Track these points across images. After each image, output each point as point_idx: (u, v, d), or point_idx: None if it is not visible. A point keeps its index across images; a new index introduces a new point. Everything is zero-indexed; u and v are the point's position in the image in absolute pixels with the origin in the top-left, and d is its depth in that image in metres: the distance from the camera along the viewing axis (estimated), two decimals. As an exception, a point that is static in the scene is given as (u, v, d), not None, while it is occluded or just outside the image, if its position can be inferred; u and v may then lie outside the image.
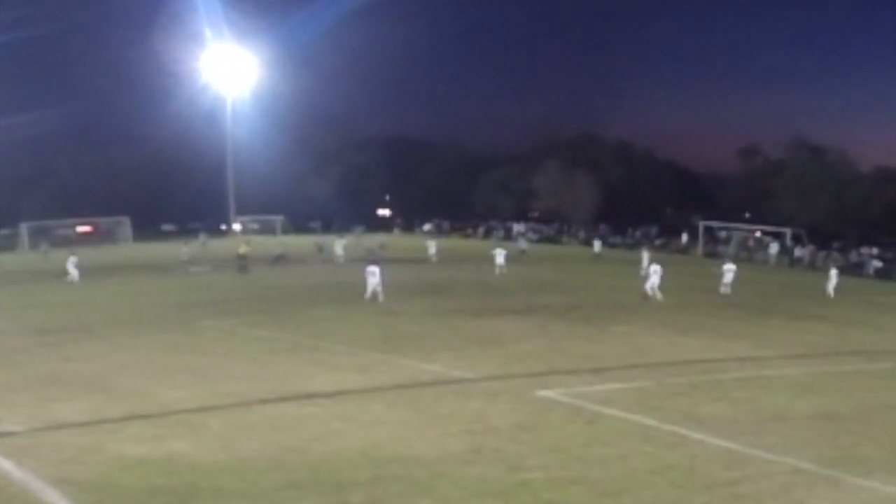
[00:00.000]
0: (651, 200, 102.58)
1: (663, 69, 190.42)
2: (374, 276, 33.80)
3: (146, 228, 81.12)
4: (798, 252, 76.50)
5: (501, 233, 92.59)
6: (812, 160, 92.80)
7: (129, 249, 71.47)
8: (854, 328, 34.67)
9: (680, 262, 68.01)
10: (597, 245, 62.69)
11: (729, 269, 43.54)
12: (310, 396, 18.35)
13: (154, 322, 29.14)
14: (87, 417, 16.59)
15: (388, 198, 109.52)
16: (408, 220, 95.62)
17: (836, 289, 45.05)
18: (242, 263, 50.32)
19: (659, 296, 39.06)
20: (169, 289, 40.32)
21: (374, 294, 34.07)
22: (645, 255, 52.00)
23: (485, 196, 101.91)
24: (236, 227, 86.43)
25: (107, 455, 14.10)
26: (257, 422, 16.45)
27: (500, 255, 49.52)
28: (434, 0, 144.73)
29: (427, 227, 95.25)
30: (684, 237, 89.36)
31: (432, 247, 59.50)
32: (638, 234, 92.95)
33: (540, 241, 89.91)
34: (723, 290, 42.65)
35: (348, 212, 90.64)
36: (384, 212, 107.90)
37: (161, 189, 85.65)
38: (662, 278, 39.67)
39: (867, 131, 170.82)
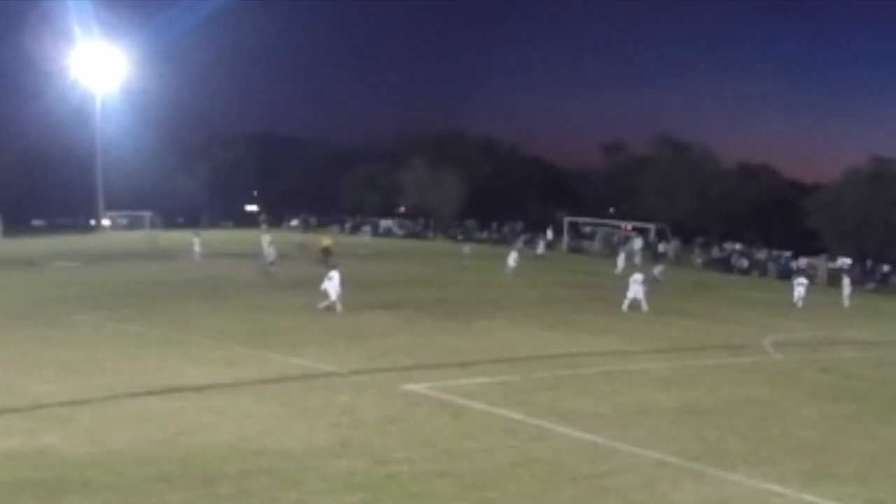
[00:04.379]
0: (516, 196, 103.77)
1: (529, 66, 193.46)
2: (332, 280, 32.79)
3: (16, 224, 79.78)
4: (662, 247, 78.27)
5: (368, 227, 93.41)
6: (676, 156, 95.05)
7: None
8: (718, 323, 35.65)
9: (545, 258, 68.87)
10: (466, 248, 62.61)
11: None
12: (179, 390, 18.11)
13: (24, 316, 28.20)
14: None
15: (255, 194, 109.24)
16: (275, 215, 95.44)
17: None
18: (329, 258, 48.60)
19: (644, 306, 37.38)
20: (39, 283, 39.14)
21: (333, 302, 32.86)
22: (512, 256, 51.83)
23: (351, 192, 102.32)
24: (105, 222, 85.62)
25: (-24, 449, 13.67)
26: (127, 415, 16.15)
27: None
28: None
29: (294, 222, 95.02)
30: (549, 233, 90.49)
31: (265, 242, 58.72)
32: (505, 229, 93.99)
33: (406, 236, 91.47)
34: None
35: (216, 207, 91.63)
36: (252, 207, 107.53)
37: (31, 185, 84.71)
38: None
39: (731, 128, 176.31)
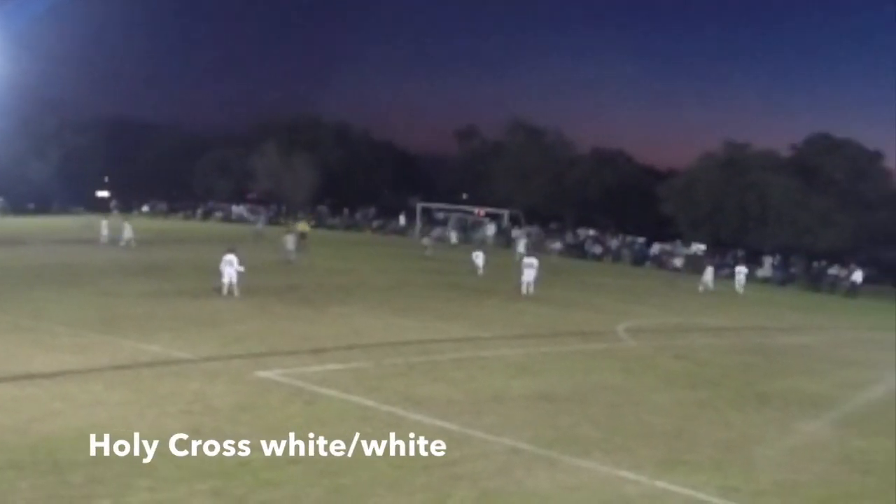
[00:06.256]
0: (369, 182, 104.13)
1: (383, 51, 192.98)
2: (231, 265, 32.09)
3: None
4: (515, 233, 79.15)
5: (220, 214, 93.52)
6: (530, 142, 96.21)
7: None
8: (572, 309, 36.17)
9: (398, 244, 69.05)
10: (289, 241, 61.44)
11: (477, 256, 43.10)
12: (29, 377, 17.56)
13: None
14: None
15: (107, 179, 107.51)
16: (126, 201, 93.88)
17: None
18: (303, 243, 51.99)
19: (531, 290, 39.12)
20: None
21: (229, 284, 32.26)
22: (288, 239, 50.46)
23: (203, 178, 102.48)
24: None
25: None
26: (-23, 402, 15.72)
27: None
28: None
29: (145, 208, 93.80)
30: (402, 219, 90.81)
31: (127, 229, 57.67)
32: (357, 215, 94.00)
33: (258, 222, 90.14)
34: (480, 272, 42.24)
35: (67, 193, 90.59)
36: (103, 193, 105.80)
37: None
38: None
39: (585, 114, 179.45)
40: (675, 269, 66.89)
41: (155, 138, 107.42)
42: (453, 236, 76.80)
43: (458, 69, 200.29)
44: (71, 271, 37.08)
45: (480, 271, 48.15)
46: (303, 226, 60.75)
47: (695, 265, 64.19)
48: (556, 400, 18.72)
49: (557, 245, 75.79)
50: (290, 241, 47.25)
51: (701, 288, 50.17)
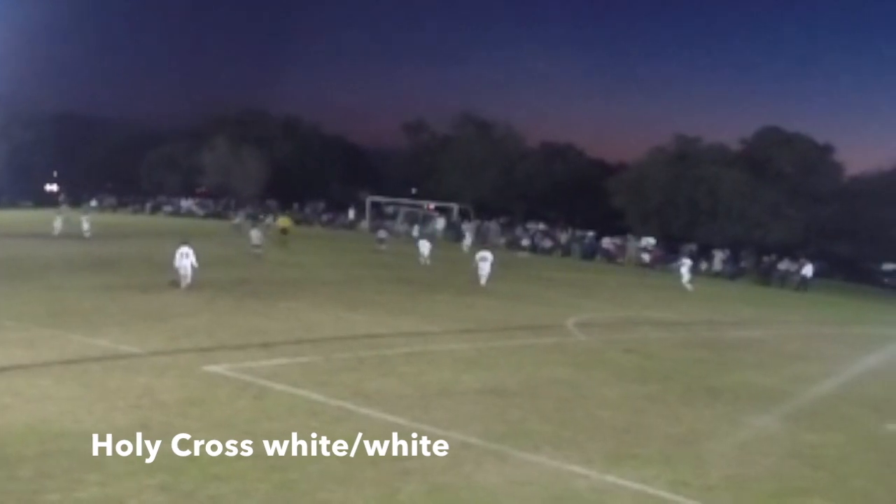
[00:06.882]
0: (319, 176, 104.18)
1: (332, 45, 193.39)
2: (187, 257, 31.98)
3: None
4: (465, 227, 79.31)
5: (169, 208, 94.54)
6: (479, 136, 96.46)
7: None
8: (521, 303, 36.26)
9: (347, 238, 68.88)
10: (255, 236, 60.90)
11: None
12: None
13: None
14: None
15: (55, 174, 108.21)
16: (75, 195, 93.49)
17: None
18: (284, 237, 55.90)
19: (484, 283, 40.01)
20: None
21: (187, 277, 32.23)
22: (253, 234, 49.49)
23: (152, 172, 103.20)
24: None
25: None
26: (-74, 397, 15.56)
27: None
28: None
29: (93, 202, 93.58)
30: (351, 212, 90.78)
31: (85, 223, 57.65)
32: (307, 209, 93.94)
33: (206, 216, 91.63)
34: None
35: (16, 188, 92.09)
36: (52, 187, 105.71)
37: None
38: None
39: (535, 107, 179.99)
40: (644, 265, 66.93)
41: (104, 132, 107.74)
42: (415, 230, 76.81)
43: (407, 63, 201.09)
44: (19, 265, 36.82)
45: (426, 260, 49.21)
46: (284, 221, 61.61)
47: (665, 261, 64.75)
48: (506, 394, 18.76)
49: (502, 240, 76.06)
50: (255, 236, 47.59)
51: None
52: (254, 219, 72.51)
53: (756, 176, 77.79)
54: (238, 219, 73.58)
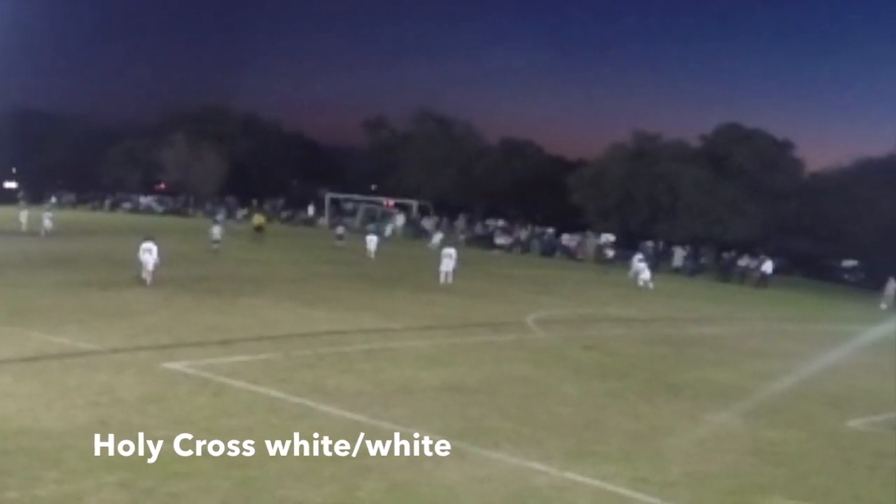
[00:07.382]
0: (278, 172, 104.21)
1: (291, 42, 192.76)
2: (149, 252, 31.78)
3: None
4: (425, 224, 79.34)
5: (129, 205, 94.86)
6: (438, 132, 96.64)
7: None
8: (481, 300, 36.34)
9: (306, 234, 68.79)
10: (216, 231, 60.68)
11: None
12: None
13: None
14: None
15: (14, 171, 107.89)
16: (34, 192, 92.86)
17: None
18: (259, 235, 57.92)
19: (449, 279, 39.84)
20: None
21: (149, 273, 32.00)
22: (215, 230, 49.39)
23: (112, 169, 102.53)
24: None
25: None
26: None
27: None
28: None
29: (53, 199, 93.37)
30: (311, 209, 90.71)
31: (47, 219, 57.30)
32: (266, 206, 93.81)
33: (165, 213, 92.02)
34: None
35: None
36: (11, 184, 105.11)
37: None
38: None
39: (494, 104, 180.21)
40: (608, 261, 67.00)
41: (63, 129, 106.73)
42: (388, 229, 76.43)
43: (367, 60, 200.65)
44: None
45: (371, 255, 50.04)
46: (258, 219, 62.85)
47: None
48: (466, 391, 18.78)
49: (462, 237, 76.02)
50: (216, 232, 48.05)
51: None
52: (212, 216, 72.06)
53: (716, 172, 78.23)
54: (219, 216, 72.74)
